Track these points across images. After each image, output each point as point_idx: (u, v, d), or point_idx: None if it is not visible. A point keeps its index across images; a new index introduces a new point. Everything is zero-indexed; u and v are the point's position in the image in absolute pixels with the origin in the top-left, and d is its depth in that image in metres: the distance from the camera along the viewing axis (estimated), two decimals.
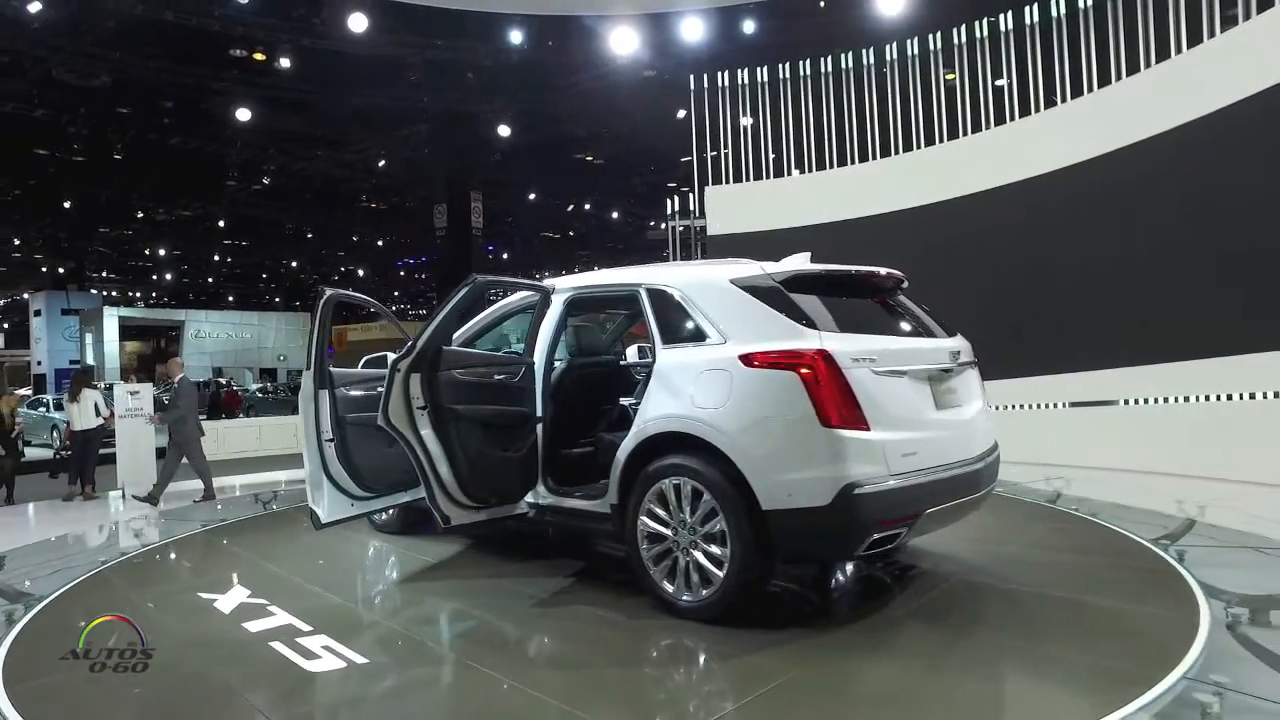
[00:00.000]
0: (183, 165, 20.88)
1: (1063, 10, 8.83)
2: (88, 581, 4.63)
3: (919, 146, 10.01)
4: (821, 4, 14.69)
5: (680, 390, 3.46)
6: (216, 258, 32.93)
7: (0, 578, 4.84)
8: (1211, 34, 7.39)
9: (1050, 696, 2.77)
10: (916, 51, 10.20)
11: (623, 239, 30.17)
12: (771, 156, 11.36)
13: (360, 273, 36.59)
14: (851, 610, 3.78)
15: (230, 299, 36.75)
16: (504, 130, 18.89)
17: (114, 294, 34.69)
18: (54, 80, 15.32)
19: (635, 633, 3.37)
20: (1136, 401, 8.06)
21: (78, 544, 6.20)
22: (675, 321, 3.67)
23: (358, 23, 13.09)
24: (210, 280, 36.78)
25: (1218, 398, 7.37)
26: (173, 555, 5.49)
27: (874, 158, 10.45)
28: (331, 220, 28.10)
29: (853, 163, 10.63)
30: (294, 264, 35.21)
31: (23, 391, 23.49)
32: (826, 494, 3.01)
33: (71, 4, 12.86)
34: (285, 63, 14.80)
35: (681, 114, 12.29)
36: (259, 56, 15.22)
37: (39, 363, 27.63)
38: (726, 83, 11.57)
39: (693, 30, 13.27)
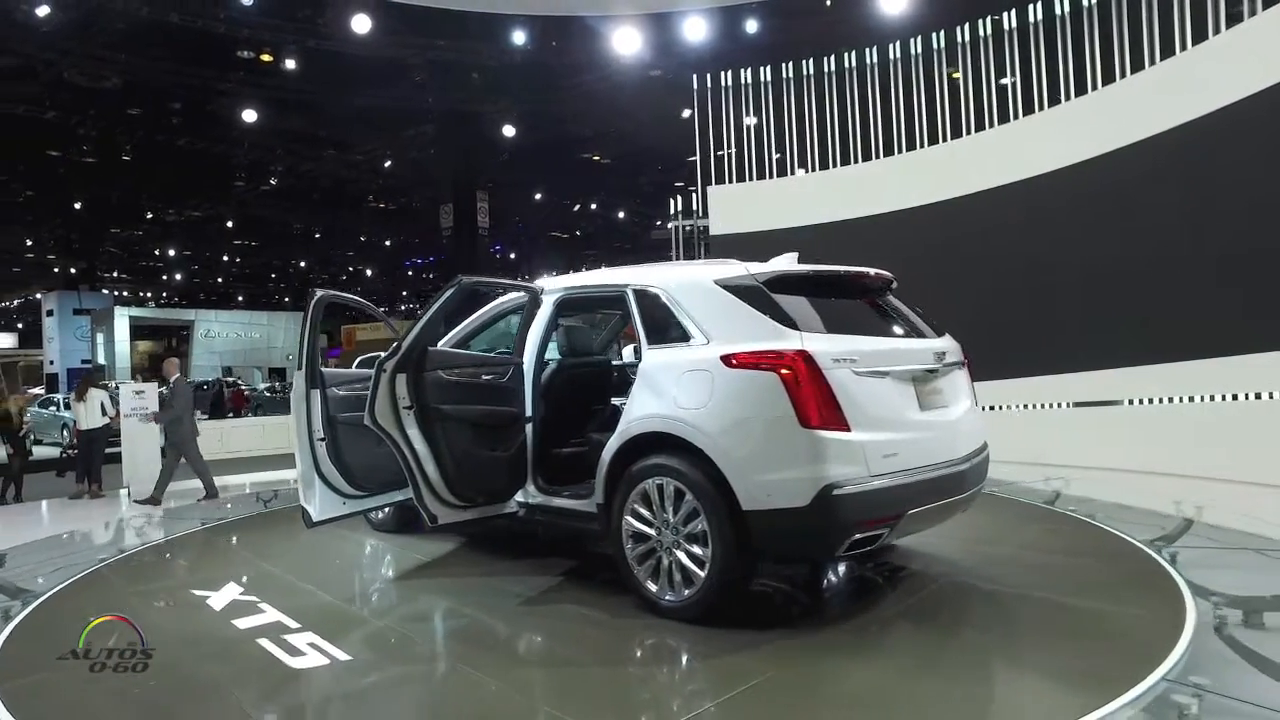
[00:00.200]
0: (192, 166, 21.08)
1: (1067, 8, 8.78)
2: (85, 579, 4.68)
3: (922, 146, 9.97)
4: (828, 3, 14.67)
5: (664, 390, 3.47)
6: (226, 258, 33.20)
7: (0, 574, 4.92)
8: (1217, 31, 7.33)
9: (1024, 698, 2.77)
10: (920, 50, 10.17)
11: (629, 238, 30.19)
12: (776, 156, 11.35)
13: (368, 272, 36.81)
14: (837, 611, 3.78)
15: (240, 299, 37.01)
16: (509, 130, 18.96)
17: (125, 294, 35.01)
18: (65, 82, 15.49)
19: (618, 632, 3.39)
20: (1140, 401, 8.01)
21: (78, 542, 6.27)
22: (660, 322, 3.68)
23: (362, 24, 13.17)
24: (220, 280, 37.08)
25: (1223, 398, 7.31)
26: (170, 553, 5.55)
27: (877, 157, 10.43)
28: (339, 220, 28.28)
29: (855, 162, 10.61)
30: (302, 264, 35.43)
31: (35, 391, 23.79)
32: (806, 495, 3.02)
33: (82, 8, 12.99)
34: (292, 64, 14.91)
35: (686, 113, 12.28)
36: (266, 58, 15.34)
37: (51, 362, 27.92)
38: (730, 82, 11.56)
39: (696, 30, 13.27)
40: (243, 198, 24.26)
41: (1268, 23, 6.81)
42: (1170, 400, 7.77)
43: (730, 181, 11.52)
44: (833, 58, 10.90)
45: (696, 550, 3.31)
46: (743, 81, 11.51)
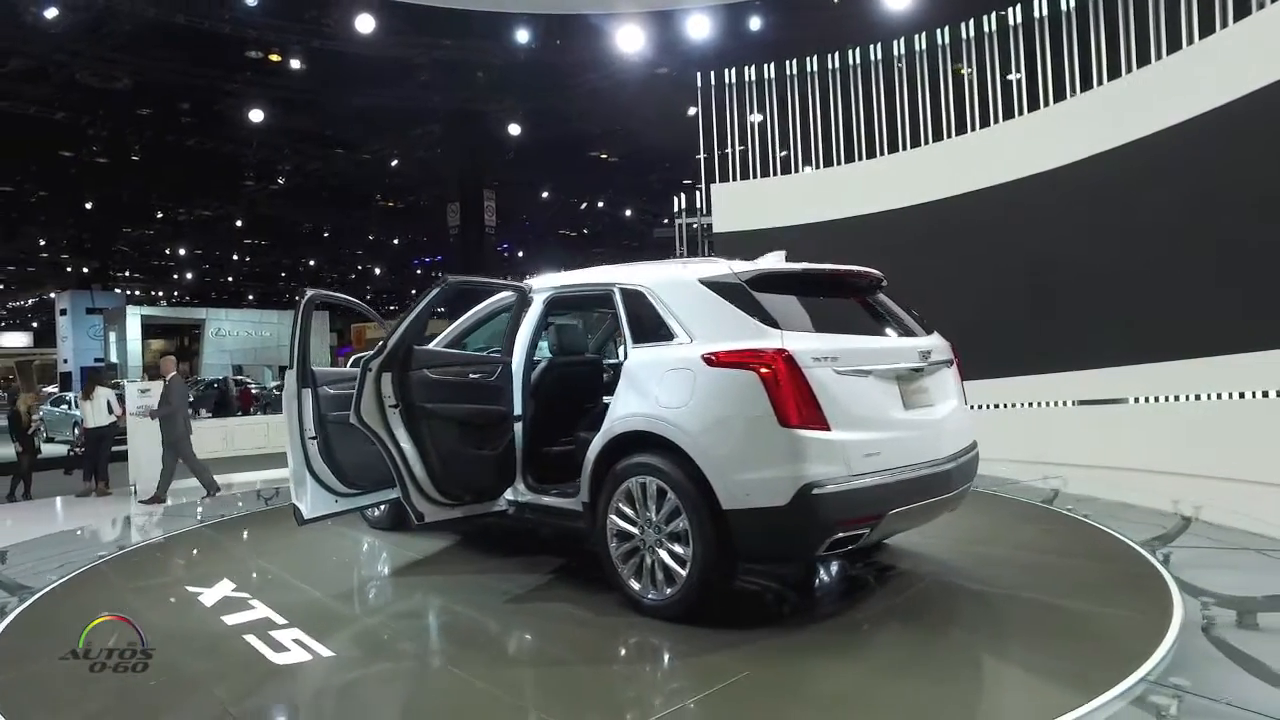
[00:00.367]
0: (201, 166, 21.25)
1: (1072, 4, 8.70)
2: (83, 575, 4.75)
3: (926, 142, 9.91)
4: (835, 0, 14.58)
5: (647, 390, 3.48)
6: (236, 257, 33.44)
7: (1, 570, 4.99)
8: (1224, 24, 7.23)
9: (1001, 699, 2.77)
10: (924, 47, 10.11)
11: (637, 236, 30.16)
12: (781, 154, 11.31)
13: (377, 271, 36.98)
14: (822, 610, 3.77)
15: (250, 298, 37.28)
16: (515, 129, 18.99)
17: (137, 293, 35.35)
18: (76, 84, 15.64)
19: (601, 630, 3.40)
20: (1145, 400, 7.93)
21: (80, 538, 6.35)
22: (645, 321, 3.68)
23: (368, 24, 13.23)
24: (230, 279, 37.35)
25: (1228, 396, 7.23)
26: (169, 550, 5.60)
27: (882, 154, 10.37)
28: (348, 219, 28.43)
29: (860, 159, 10.56)
30: (312, 263, 35.64)
31: (50, 389, 24.08)
32: (785, 494, 3.01)
33: (92, 10, 13.11)
34: (299, 64, 15.00)
35: (692, 111, 12.27)
36: (274, 58, 15.43)
37: (65, 360, 28.25)
38: (733, 79, 11.53)
39: (700, 27, 13.24)
40: (252, 197, 24.42)
41: (1271, 18, 6.71)
42: (1176, 399, 7.68)
43: (736, 179, 11.48)
44: (836, 54, 10.85)
45: (678, 549, 3.31)
46: (747, 79, 11.48)
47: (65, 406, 16.76)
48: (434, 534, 5.05)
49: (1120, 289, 7.78)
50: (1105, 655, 2.96)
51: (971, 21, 9.66)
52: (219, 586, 4.26)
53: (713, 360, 3.24)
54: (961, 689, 2.80)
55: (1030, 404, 8.82)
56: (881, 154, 10.35)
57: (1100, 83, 8.31)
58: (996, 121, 9.26)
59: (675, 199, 13.42)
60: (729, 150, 11.48)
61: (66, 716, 2.84)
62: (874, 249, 8.89)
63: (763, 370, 3.09)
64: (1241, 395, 7.01)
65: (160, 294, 37.51)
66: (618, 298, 3.84)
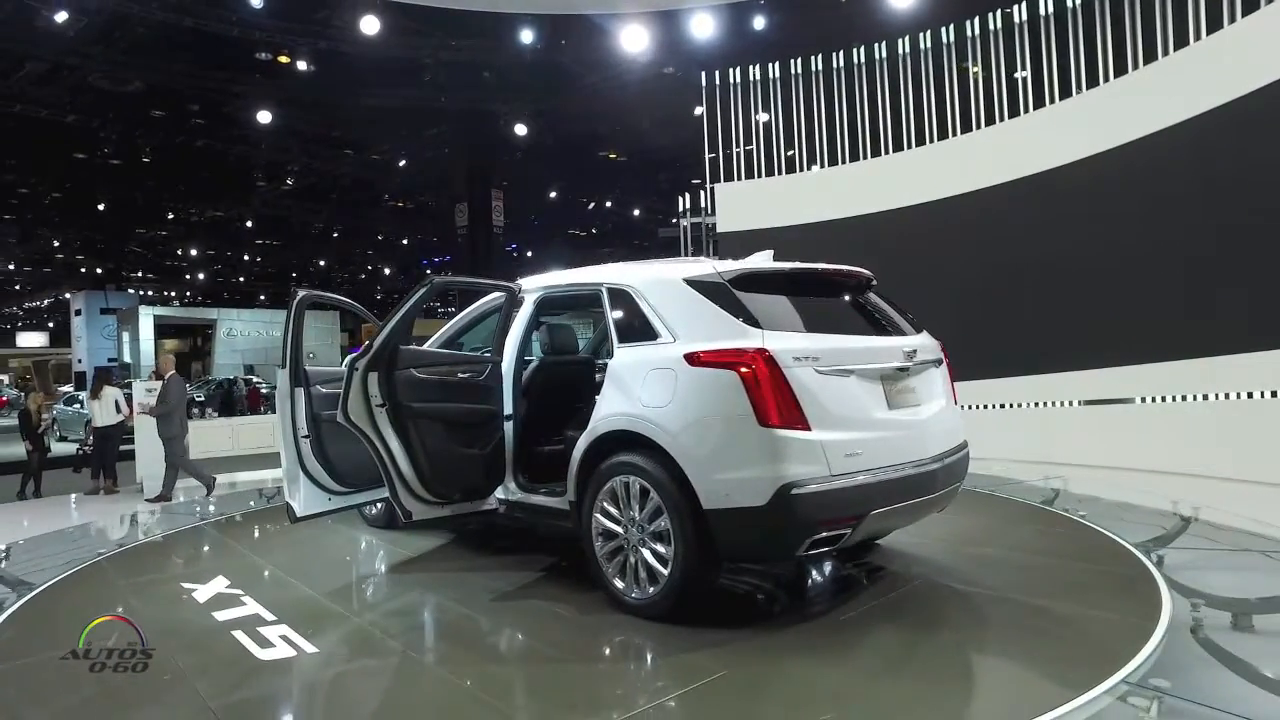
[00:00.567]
0: (213, 167, 21.44)
1: (1078, 2, 8.63)
2: (83, 571, 4.81)
3: (932, 141, 9.86)
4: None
5: (630, 389, 3.48)
6: (247, 257, 33.68)
7: (2, 566, 5.06)
8: (1233, 20, 7.14)
9: (977, 701, 2.75)
10: (929, 45, 10.06)
11: (645, 235, 30.12)
12: (788, 154, 11.28)
13: (386, 271, 37.11)
14: (808, 610, 3.76)
15: (262, 298, 37.52)
16: (522, 129, 19.02)
17: (149, 293, 35.67)
18: (88, 86, 15.82)
19: (582, 628, 3.41)
20: (1149, 400, 7.85)
21: (83, 536, 6.43)
22: (630, 320, 3.69)
23: (375, 25, 13.31)
24: (242, 279, 37.62)
25: (1233, 396, 7.15)
26: (168, 547, 5.67)
27: (887, 153, 10.32)
28: (358, 219, 28.56)
29: (866, 158, 10.52)
30: (322, 263, 35.82)
31: (65, 389, 24.38)
32: (764, 494, 3.01)
33: (103, 13, 13.26)
34: (307, 66, 15.10)
35: (698, 111, 12.25)
36: (283, 59, 15.54)
37: (79, 360, 28.58)
38: (738, 79, 11.51)
39: (704, 27, 13.21)
40: (263, 198, 24.60)
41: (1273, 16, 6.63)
42: (1182, 399, 7.60)
43: (742, 179, 11.47)
44: (841, 53, 10.81)
45: (660, 549, 3.32)
46: (752, 78, 11.46)
47: (78, 405, 16.97)
48: (429, 532, 5.10)
49: (1125, 288, 7.71)
50: (1088, 657, 2.94)
51: (976, 19, 9.60)
52: (213, 583, 4.30)
53: (694, 360, 3.24)
54: (935, 689, 2.78)
55: (1035, 404, 8.76)
56: (887, 153, 10.31)
57: (1107, 80, 8.25)
58: (1003, 119, 9.19)
59: (680, 199, 13.40)
60: (734, 150, 11.46)
61: (45, 708, 2.88)
62: (876, 248, 8.88)
63: (743, 370, 3.09)
64: (1250, 395, 6.93)
65: (173, 294, 37.85)
66: (605, 297, 3.85)
